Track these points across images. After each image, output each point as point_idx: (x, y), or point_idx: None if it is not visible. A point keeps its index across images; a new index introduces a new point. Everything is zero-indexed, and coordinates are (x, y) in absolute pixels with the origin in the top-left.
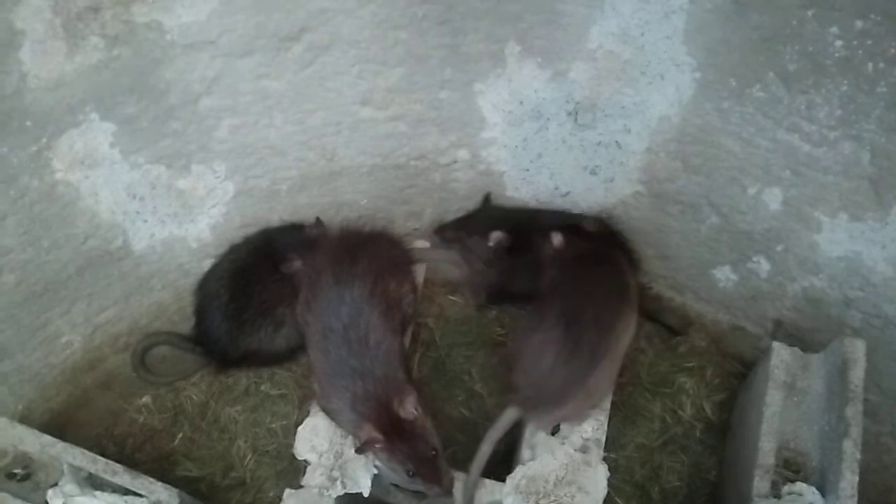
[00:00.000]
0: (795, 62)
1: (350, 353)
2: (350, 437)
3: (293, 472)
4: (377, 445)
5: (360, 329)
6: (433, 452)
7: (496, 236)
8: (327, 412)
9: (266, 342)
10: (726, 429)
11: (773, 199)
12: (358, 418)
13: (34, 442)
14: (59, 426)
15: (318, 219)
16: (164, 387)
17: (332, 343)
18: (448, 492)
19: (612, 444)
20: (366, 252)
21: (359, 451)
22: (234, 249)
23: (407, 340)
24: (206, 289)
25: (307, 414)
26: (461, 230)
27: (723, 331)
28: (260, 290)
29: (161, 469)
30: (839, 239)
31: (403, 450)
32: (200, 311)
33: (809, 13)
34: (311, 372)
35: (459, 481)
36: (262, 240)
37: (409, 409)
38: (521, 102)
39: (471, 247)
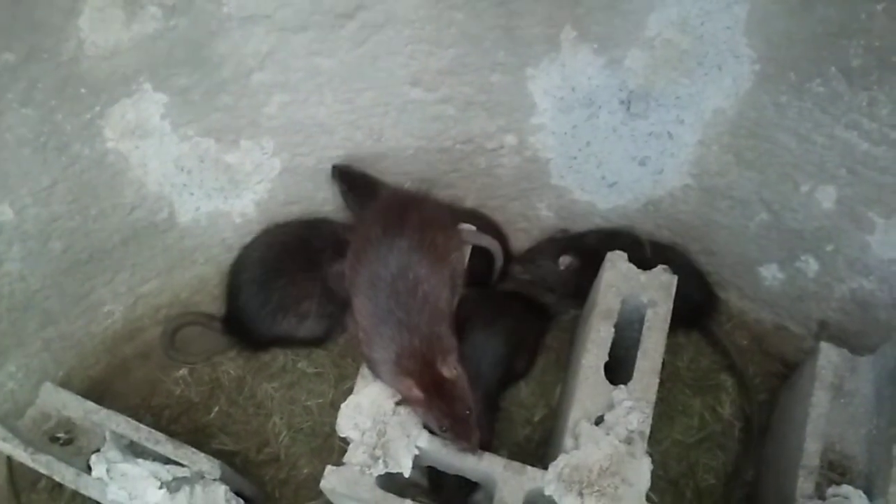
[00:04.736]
0: (860, 57)
1: (397, 304)
2: (394, 416)
3: (327, 450)
4: (417, 401)
5: (409, 280)
6: (467, 412)
7: (564, 260)
8: (368, 361)
9: (291, 331)
10: (765, 429)
11: (827, 197)
12: (400, 372)
13: (77, 408)
14: (97, 395)
15: (333, 167)
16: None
17: (379, 291)
18: (475, 449)
19: (648, 439)
20: (413, 206)
21: (398, 403)
22: (267, 232)
23: (455, 300)
24: (235, 278)
25: (343, 393)
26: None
27: (765, 330)
28: (286, 283)
29: (196, 441)
30: (893, 241)
31: (441, 407)
32: (230, 298)
33: (879, 7)
34: (355, 320)
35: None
36: (294, 234)
37: (452, 367)
38: (574, 89)
39: (544, 274)
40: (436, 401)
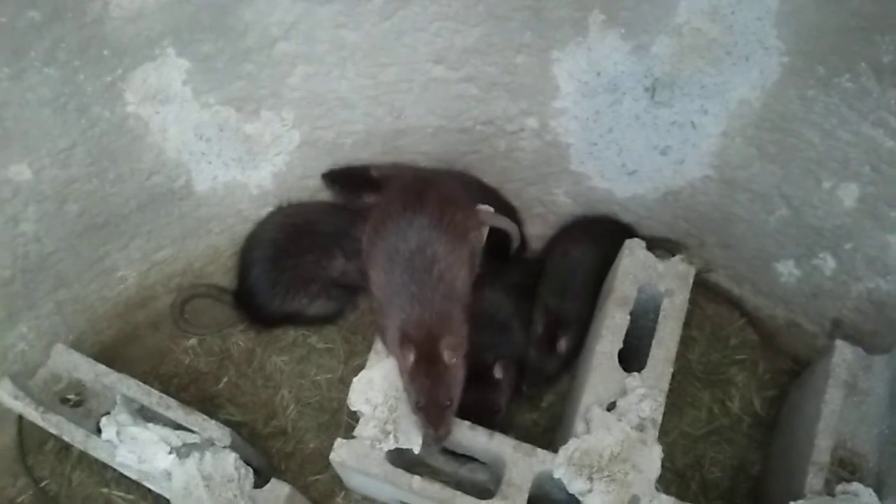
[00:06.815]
0: (892, 53)
1: (412, 279)
2: (405, 394)
3: (335, 425)
4: (407, 367)
5: (426, 257)
6: (448, 403)
7: (563, 345)
8: (381, 331)
9: (302, 309)
10: (773, 425)
11: (849, 195)
12: (401, 338)
13: (88, 370)
14: (107, 360)
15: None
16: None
17: (396, 265)
18: (439, 441)
19: None
20: (433, 185)
21: (388, 347)
22: (279, 212)
23: (472, 280)
24: (246, 255)
25: (352, 369)
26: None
27: (778, 326)
28: (294, 264)
29: (204, 411)
30: None
31: (425, 384)
32: (241, 275)
33: None
34: (369, 291)
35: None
36: (305, 216)
37: (454, 355)
38: (599, 74)
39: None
40: (422, 376)
